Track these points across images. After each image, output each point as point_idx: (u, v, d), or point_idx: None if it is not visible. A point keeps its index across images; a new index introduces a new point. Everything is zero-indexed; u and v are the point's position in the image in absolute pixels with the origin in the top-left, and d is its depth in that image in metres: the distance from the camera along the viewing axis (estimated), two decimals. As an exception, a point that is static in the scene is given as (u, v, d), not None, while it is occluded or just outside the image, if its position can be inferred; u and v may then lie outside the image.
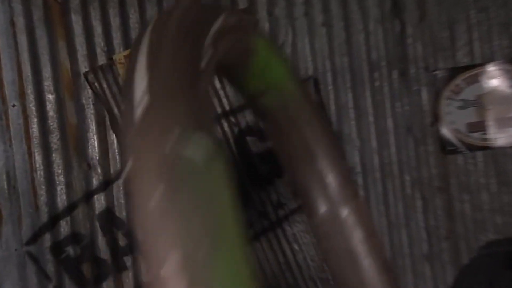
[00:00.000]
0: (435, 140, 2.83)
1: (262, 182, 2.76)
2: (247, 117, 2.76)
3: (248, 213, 2.73)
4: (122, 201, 2.66)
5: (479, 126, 2.78)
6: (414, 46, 2.81)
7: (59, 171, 2.60)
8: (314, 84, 2.79)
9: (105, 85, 2.63)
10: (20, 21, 2.56)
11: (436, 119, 2.82)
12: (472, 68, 2.79)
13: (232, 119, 2.75)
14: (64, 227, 2.60)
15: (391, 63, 2.81)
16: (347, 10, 2.79)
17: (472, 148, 2.80)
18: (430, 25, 2.81)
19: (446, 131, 2.80)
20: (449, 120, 2.79)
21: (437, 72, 2.80)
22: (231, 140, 2.74)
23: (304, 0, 2.77)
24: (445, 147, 2.82)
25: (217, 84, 2.70)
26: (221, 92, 2.71)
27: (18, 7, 2.56)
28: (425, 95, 2.83)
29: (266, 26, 2.75)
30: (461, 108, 2.78)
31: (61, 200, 2.60)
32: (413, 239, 2.83)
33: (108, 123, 2.65)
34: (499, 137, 2.78)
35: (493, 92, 2.77)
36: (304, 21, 2.77)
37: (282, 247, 2.75)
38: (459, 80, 2.78)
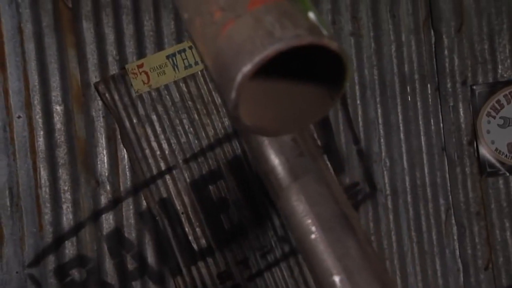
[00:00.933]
0: (473, 161, 2.64)
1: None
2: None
3: (268, 237, 2.56)
4: (132, 221, 2.52)
5: (522, 147, 2.60)
6: (451, 58, 2.65)
7: (66, 188, 2.47)
8: (341, 98, 2.63)
9: (116, 97, 2.51)
10: (28, 28, 2.44)
11: (474, 138, 2.63)
12: (515, 83, 2.61)
13: (252, 135, 2.60)
14: (69, 248, 2.46)
15: (425, 76, 2.65)
16: (378, 19, 2.63)
17: (514, 170, 2.62)
18: (469, 36, 2.64)
19: (485, 152, 2.61)
20: (489, 139, 2.61)
21: (475, 87, 2.62)
22: (249, 156, 2.59)
23: (331, 7, 2.61)
24: (484, 169, 2.63)
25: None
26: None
27: (26, 13, 2.43)
28: (462, 112, 2.65)
29: (290, 35, 2.59)
30: (502, 126, 2.60)
31: (67, 219, 2.46)
32: (447, 269, 2.64)
33: (118, 137, 2.52)
34: (543, 158, 2.60)
35: (537, 109, 2.61)
36: (331, 30, 2.61)
37: (304, 276, 2.58)
38: (500, 96, 2.60)
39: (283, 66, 0.57)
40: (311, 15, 0.52)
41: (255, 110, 0.55)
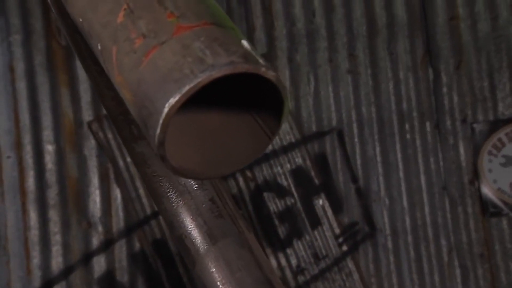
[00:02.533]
0: (475, 200, 2.57)
1: (280, 245, 2.53)
2: (264, 171, 2.55)
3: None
4: (125, 263, 2.44)
5: (524, 186, 2.54)
6: (450, 96, 2.61)
7: (56, 230, 2.39)
8: (339, 136, 2.59)
9: (110, 135, 2.46)
10: (20, 67, 2.40)
11: (475, 177, 2.57)
12: (516, 121, 2.57)
13: (248, 174, 2.55)
14: (58, 293, 2.37)
15: (423, 114, 2.60)
16: (375, 56, 2.61)
17: (517, 210, 2.54)
18: (468, 74, 2.60)
19: (487, 191, 2.55)
20: (491, 178, 2.55)
21: (475, 125, 2.58)
22: (247, 197, 2.53)
23: (328, 45, 2.59)
24: (486, 209, 2.56)
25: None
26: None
27: (18, 51, 2.40)
28: (462, 150, 2.60)
29: (286, 73, 2.56)
30: (504, 165, 2.54)
31: (57, 262, 2.38)
32: (451, 314, 2.55)
33: (112, 176, 2.45)
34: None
35: (539, 147, 2.55)
36: (328, 68, 2.58)
37: (302, 321, 2.49)
38: (501, 134, 2.55)
39: (210, 102, 0.52)
40: (245, 43, 0.45)
41: (182, 150, 0.48)
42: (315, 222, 2.56)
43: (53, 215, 2.41)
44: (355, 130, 2.60)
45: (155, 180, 0.71)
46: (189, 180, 0.68)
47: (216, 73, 0.42)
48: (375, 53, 2.61)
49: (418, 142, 2.61)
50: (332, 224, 2.57)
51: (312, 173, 2.58)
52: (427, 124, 2.61)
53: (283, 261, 2.53)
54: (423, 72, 2.62)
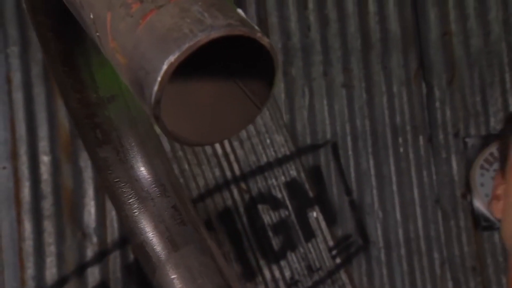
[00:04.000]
0: (467, 214, 2.60)
1: (274, 257, 2.54)
2: (259, 183, 2.57)
3: (258, 293, 2.48)
4: (119, 274, 2.44)
5: (516, 200, 2.57)
6: (443, 110, 2.64)
7: (50, 241, 2.39)
8: (333, 148, 2.61)
9: (105, 147, 2.47)
10: (17, 77, 2.42)
11: (467, 191, 2.59)
12: (508, 136, 2.59)
13: (243, 185, 2.56)
14: (52, 304, 2.37)
15: (417, 128, 2.63)
16: (369, 70, 2.64)
17: (509, 224, 2.56)
18: (461, 88, 2.64)
19: (479, 205, 2.57)
20: (483, 192, 2.57)
21: (468, 139, 2.60)
22: (241, 209, 2.54)
23: (323, 59, 2.62)
24: (478, 223, 2.58)
25: (227, 148, 2.52)
26: (231, 156, 2.52)
27: (15, 62, 2.41)
28: (455, 164, 2.62)
29: (281, 86, 2.58)
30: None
31: (51, 273, 2.38)
32: (443, 327, 2.56)
33: (107, 188, 2.46)
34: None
35: (531, 162, 2.58)
36: (323, 81, 2.61)
37: (295, 333, 2.49)
38: (493, 149, 2.57)
39: (200, 73, 0.52)
40: (240, 11, 0.47)
41: (173, 119, 0.48)
42: (309, 235, 2.58)
43: (48, 225, 2.41)
44: (349, 143, 2.62)
45: (117, 186, 0.70)
46: (152, 186, 0.68)
47: (215, 33, 0.43)
48: (369, 67, 2.64)
49: (411, 155, 2.64)
50: (326, 237, 2.58)
51: (306, 186, 2.60)
52: (420, 137, 2.64)
53: (277, 273, 2.53)
54: (416, 86, 2.65)
